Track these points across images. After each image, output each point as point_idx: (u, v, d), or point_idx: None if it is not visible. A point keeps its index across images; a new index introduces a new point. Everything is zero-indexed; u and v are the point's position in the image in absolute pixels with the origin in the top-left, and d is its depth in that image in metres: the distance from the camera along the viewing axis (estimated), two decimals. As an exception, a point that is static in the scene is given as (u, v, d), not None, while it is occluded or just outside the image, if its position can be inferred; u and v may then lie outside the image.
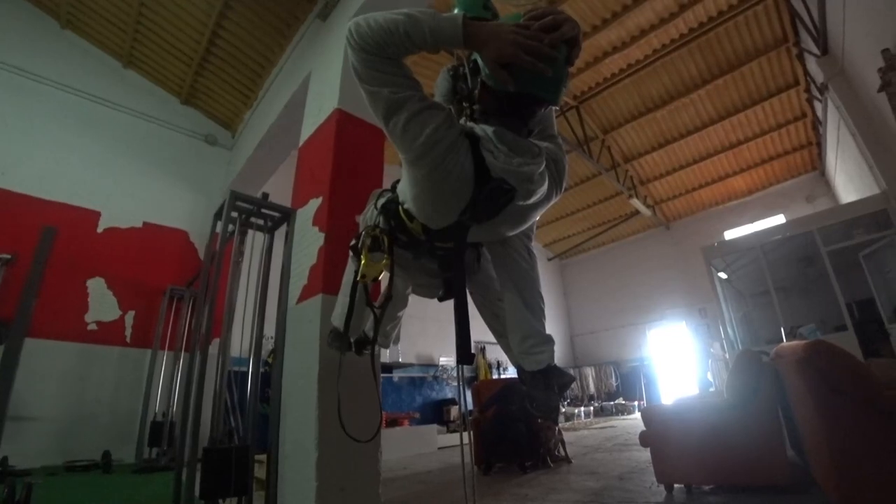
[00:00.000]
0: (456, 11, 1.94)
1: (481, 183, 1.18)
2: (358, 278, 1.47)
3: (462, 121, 1.29)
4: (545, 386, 1.45)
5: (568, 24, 1.11)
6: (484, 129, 1.17)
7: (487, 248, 1.69)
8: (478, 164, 1.16)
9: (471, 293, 1.71)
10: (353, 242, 1.76)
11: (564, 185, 1.39)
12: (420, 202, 1.28)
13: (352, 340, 2.07)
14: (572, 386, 10.55)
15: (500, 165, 1.15)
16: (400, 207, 1.42)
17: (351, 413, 2.65)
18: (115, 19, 5.84)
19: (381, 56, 1.09)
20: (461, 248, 1.36)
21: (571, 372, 12.80)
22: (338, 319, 2.07)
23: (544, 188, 1.25)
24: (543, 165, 1.21)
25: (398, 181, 1.55)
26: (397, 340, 8.17)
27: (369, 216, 1.67)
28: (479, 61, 1.15)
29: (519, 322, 1.52)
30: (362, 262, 1.45)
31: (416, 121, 1.09)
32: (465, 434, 1.85)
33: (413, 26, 1.05)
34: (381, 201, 1.57)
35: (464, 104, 1.32)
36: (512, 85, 1.08)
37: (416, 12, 1.08)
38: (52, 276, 5.05)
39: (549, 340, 1.51)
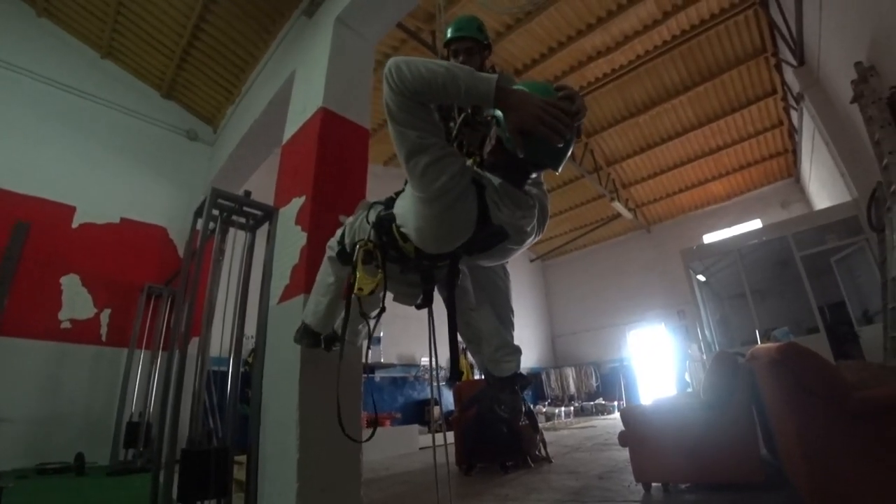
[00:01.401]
0: (449, 33, 2.06)
1: (481, 225, 1.29)
2: (355, 291, 1.52)
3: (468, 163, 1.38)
4: (511, 390, 1.64)
5: (584, 108, 1.24)
6: (491, 181, 1.31)
7: (467, 266, 1.77)
8: (481, 209, 1.28)
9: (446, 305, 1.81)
10: (337, 248, 1.84)
11: (545, 226, 1.52)
12: (422, 234, 1.35)
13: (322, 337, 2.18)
14: (553, 386, 10.70)
15: (503, 217, 1.29)
16: (394, 227, 1.48)
17: (334, 413, 2.64)
18: (93, 8, 5.69)
19: (415, 101, 1.18)
20: (453, 274, 1.48)
21: (553, 373, 12.97)
22: (311, 317, 2.15)
23: (533, 234, 1.42)
24: (536, 215, 1.38)
25: (392, 197, 1.62)
26: (378, 341, 8.14)
27: (358, 226, 1.73)
28: (500, 121, 1.22)
29: (492, 333, 1.70)
30: (357, 275, 1.52)
31: (435, 167, 1.19)
32: (442, 435, 1.94)
33: (451, 81, 1.14)
34: (373, 215, 1.62)
35: (473, 153, 1.45)
36: (522, 152, 1.19)
37: (454, 68, 1.17)
38: (24, 273, 4.90)
39: (518, 350, 1.71)
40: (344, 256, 1.79)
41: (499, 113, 1.21)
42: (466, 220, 1.27)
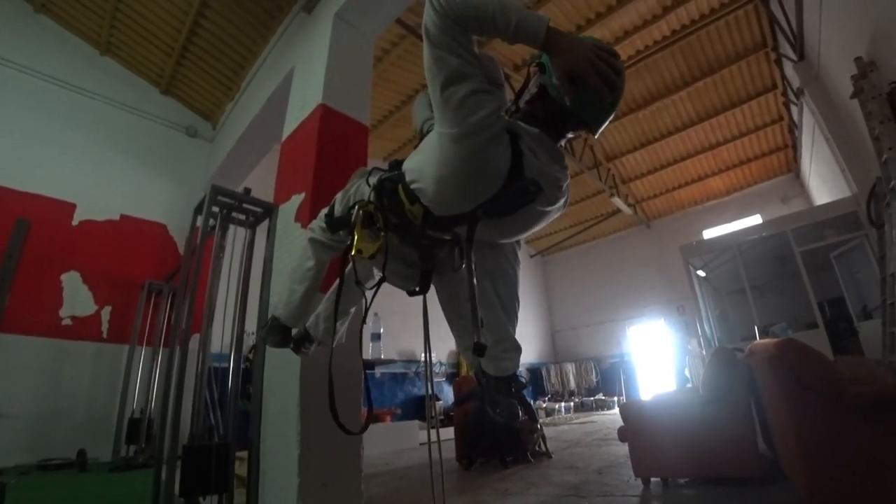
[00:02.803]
0: None
1: (511, 178, 1.17)
2: (352, 253, 1.38)
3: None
4: (507, 392, 1.45)
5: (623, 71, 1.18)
6: (526, 129, 1.20)
7: (477, 249, 1.63)
8: (514, 160, 1.16)
9: (438, 290, 1.67)
10: (323, 220, 1.71)
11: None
12: (445, 183, 1.22)
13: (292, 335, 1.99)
14: (553, 382, 10.66)
15: (538, 166, 1.18)
16: (399, 187, 1.37)
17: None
18: (91, 4, 5.67)
19: (460, 26, 1.09)
20: (471, 237, 1.32)
21: (553, 368, 13.00)
22: (281, 308, 1.92)
23: (563, 199, 1.30)
24: (568, 178, 1.28)
25: (396, 161, 1.51)
26: (378, 337, 8.15)
27: (355, 191, 1.62)
28: (547, 67, 1.16)
29: (494, 325, 1.49)
30: (356, 236, 1.38)
31: (474, 98, 1.09)
32: (436, 431, 1.86)
33: (502, 12, 1.07)
34: (374, 179, 1.51)
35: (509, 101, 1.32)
36: (570, 98, 1.12)
37: (507, 1, 1.09)
38: (25, 270, 4.91)
39: (518, 348, 1.50)
40: (336, 223, 1.66)
41: (544, 59, 1.15)
42: (497, 168, 1.15)
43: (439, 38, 1.09)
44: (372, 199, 1.44)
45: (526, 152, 1.16)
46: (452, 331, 1.70)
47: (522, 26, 1.08)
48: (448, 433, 5.20)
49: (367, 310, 1.66)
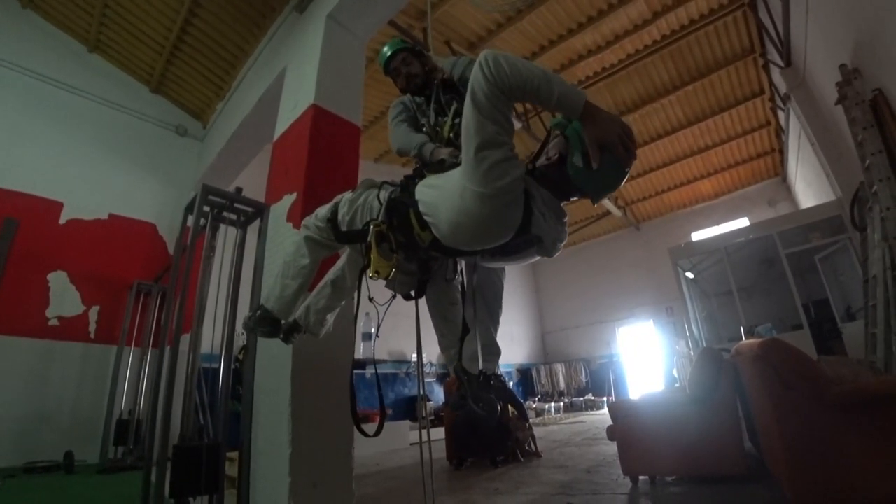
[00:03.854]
0: (384, 60, 2.20)
1: (519, 231, 1.30)
2: (370, 275, 1.49)
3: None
4: (488, 389, 1.63)
5: None
6: (540, 191, 1.32)
7: (466, 265, 1.78)
8: (525, 218, 1.28)
9: (427, 295, 1.84)
10: (325, 224, 1.76)
11: None
12: (459, 229, 1.32)
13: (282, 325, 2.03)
14: (543, 382, 10.73)
15: (545, 227, 1.32)
16: (411, 212, 1.45)
17: (326, 409, 2.66)
18: (80, 1, 5.61)
19: (506, 96, 1.16)
20: (474, 266, 1.51)
21: (543, 369, 13.06)
22: (273, 301, 1.96)
23: (559, 250, 1.44)
24: (567, 232, 1.42)
25: (410, 179, 1.61)
26: (370, 337, 8.12)
27: (363, 204, 1.67)
28: (572, 141, 1.26)
29: (482, 331, 1.67)
30: (372, 257, 1.48)
31: (503, 165, 1.17)
32: (427, 431, 1.95)
33: (546, 85, 1.15)
34: (384, 194, 1.59)
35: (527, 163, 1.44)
36: (597, 164, 1.21)
37: (550, 73, 1.18)
38: (11, 270, 4.84)
39: (499, 352, 1.72)
40: (345, 236, 1.71)
41: (570, 131, 1.26)
42: (510, 225, 1.27)
43: (485, 105, 1.16)
44: (382, 216, 1.53)
45: (536, 213, 1.29)
46: (437, 331, 1.90)
47: (563, 100, 1.17)
48: (438, 433, 5.21)
49: (379, 325, 1.78)
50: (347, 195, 1.77)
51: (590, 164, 1.22)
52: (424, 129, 2.11)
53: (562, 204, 1.39)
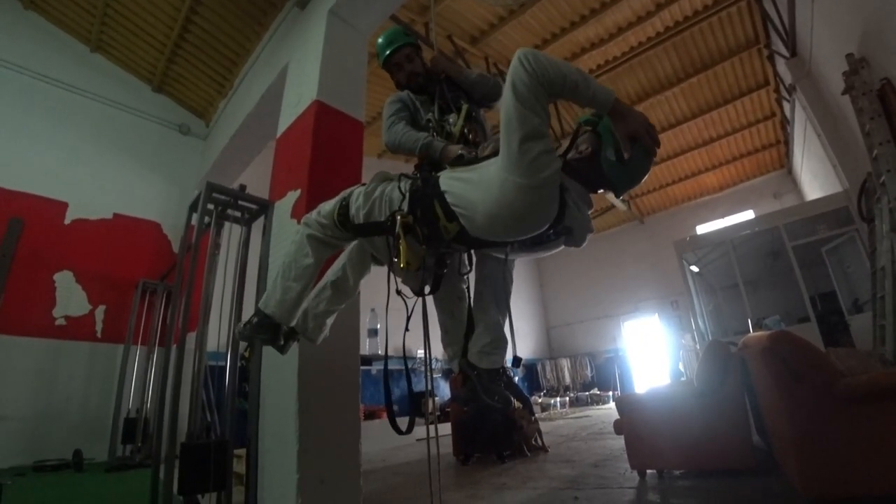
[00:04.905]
0: (386, 50, 2.22)
1: (553, 223, 1.37)
2: (402, 265, 1.46)
3: None
4: (498, 381, 1.63)
5: None
6: (573, 184, 1.38)
7: (479, 257, 1.77)
8: (560, 209, 1.34)
9: (436, 293, 1.80)
10: (335, 217, 1.71)
11: None
12: (497, 219, 1.35)
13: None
14: (548, 377, 10.77)
15: (578, 218, 1.38)
16: (436, 203, 1.45)
17: (333, 405, 2.66)
18: (81, 1, 5.61)
19: (545, 90, 1.22)
20: (506, 258, 1.52)
21: (549, 363, 13.07)
22: (275, 306, 1.82)
23: (586, 241, 1.50)
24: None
25: (423, 168, 1.64)
26: (375, 333, 8.15)
27: (381, 196, 1.64)
28: (603, 137, 1.34)
29: (492, 325, 1.67)
30: (402, 247, 1.47)
31: (547, 156, 1.23)
32: (425, 427, 1.95)
33: (584, 82, 1.24)
34: (405, 185, 1.57)
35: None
36: (629, 154, 1.30)
37: (585, 73, 1.27)
38: (17, 270, 4.84)
39: (507, 345, 1.71)
40: (363, 229, 1.66)
41: (601, 128, 1.34)
42: (549, 216, 1.32)
43: (527, 97, 1.21)
44: (405, 207, 1.52)
45: (570, 204, 1.35)
46: (442, 326, 1.89)
47: (597, 96, 1.25)
48: (444, 429, 5.22)
49: (409, 316, 1.73)
50: (358, 189, 1.73)
51: (622, 158, 1.30)
52: (430, 125, 2.06)
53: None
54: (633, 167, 1.34)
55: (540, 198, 1.27)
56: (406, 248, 1.46)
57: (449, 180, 1.49)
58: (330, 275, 1.99)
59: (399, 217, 1.49)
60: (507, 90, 1.24)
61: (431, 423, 1.88)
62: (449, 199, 1.44)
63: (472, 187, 1.40)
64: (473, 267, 1.57)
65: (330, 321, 2.04)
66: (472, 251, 1.67)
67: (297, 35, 4.31)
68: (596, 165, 1.35)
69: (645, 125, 1.27)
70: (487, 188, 1.34)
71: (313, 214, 1.83)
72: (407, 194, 1.54)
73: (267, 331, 1.83)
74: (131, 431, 4.80)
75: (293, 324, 1.90)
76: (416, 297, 1.65)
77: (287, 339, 1.92)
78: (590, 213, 1.44)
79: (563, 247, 1.50)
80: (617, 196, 1.42)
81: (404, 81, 2.24)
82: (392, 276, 1.68)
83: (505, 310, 1.75)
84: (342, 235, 1.76)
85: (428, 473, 1.84)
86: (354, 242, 1.88)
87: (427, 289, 1.68)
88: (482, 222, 1.37)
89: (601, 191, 1.46)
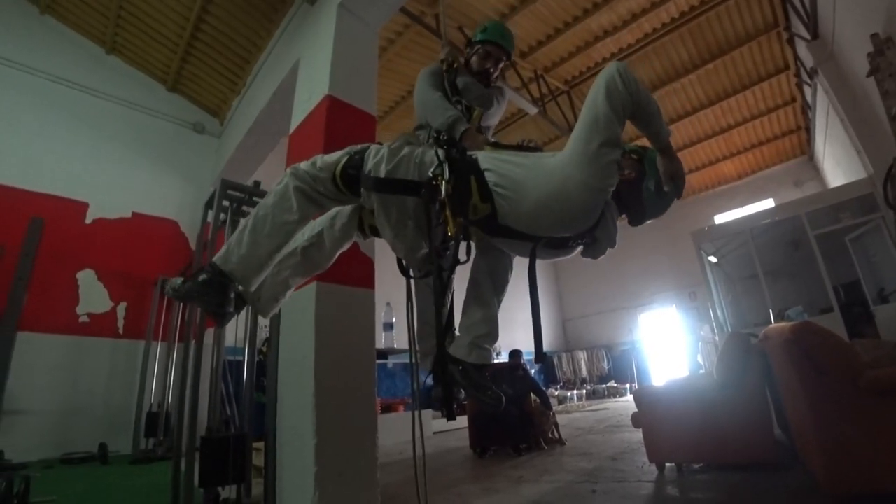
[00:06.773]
0: (489, 35, 2.32)
1: (588, 230, 1.43)
2: (450, 232, 1.38)
3: None
4: (485, 377, 1.55)
5: None
6: (611, 201, 1.45)
7: (483, 247, 1.70)
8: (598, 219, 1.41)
9: (424, 283, 1.77)
10: (339, 170, 1.51)
11: None
12: (547, 210, 1.35)
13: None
14: (565, 370, 10.74)
15: (608, 232, 1.48)
16: (473, 179, 1.40)
17: (350, 399, 2.68)
18: (96, 4, 5.68)
19: (631, 106, 1.27)
20: (534, 255, 1.51)
21: (565, 356, 13.01)
22: (236, 261, 1.50)
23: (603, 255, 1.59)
24: None
25: (445, 138, 1.67)
26: (391, 327, 8.17)
27: (407, 154, 1.50)
28: (648, 169, 1.44)
29: (488, 317, 1.63)
30: (448, 214, 1.38)
31: (615, 167, 1.30)
32: (418, 424, 1.89)
33: (658, 115, 1.32)
34: (443, 153, 1.46)
35: None
36: (671, 191, 1.41)
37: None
38: (41, 269, 4.96)
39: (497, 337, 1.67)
40: (382, 182, 1.45)
41: (647, 161, 1.44)
42: (590, 221, 1.38)
43: (619, 108, 1.26)
44: (446, 174, 1.41)
45: (607, 217, 1.43)
46: (420, 318, 1.81)
47: (662, 131, 1.34)
48: (461, 421, 5.23)
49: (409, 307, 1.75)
50: (376, 146, 1.54)
51: (660, 190, 1.41)
52: (459, 107, 2.13)
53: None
54: (665, 201, 1.46)
55: (595, 202, 1.32)
56: (450, 215, 1.38)
57: (494, 160, 1.44)
58: (302, 240, 1.70)
59: (444, 182, 1.39)
60: (598, 94, 1.27)
61: (454, 416, 1.73)
62: (491, 177, 1.39)
63: (527, 174, 1.37)
64: (530, 272, 1.51)
65: (287, 296, 1.75)
66: (472, 242, 1.56)
67: (307, 30, 4.32)
68: (635, 190, 1.45)
69: (682, 171, 1.40)
70: (547, 177, 1.34)
71: (308, 164, 1.56)
72: (445, 163, 1.42)
73: (215, 292, 1.47)
74: (153, 425, 4.91)
75: (252, 289, 1.58)
76: (449, 272, 1.56)
77: (235, 307, 1.55)
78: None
79: (574, 254, 1.58)
80: (633, 225, 1.56)
81: (478, 67, 2.35)
82: (409, 268, 1.64)
83: (500, 303, 1.70)
84: (335, 195, 1.54)
85: (424, 472, 1.80)
86: (343, 207, 1.71)
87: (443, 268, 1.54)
88: (528, 209, 1.35)
89: (622, 216, 1.55)
